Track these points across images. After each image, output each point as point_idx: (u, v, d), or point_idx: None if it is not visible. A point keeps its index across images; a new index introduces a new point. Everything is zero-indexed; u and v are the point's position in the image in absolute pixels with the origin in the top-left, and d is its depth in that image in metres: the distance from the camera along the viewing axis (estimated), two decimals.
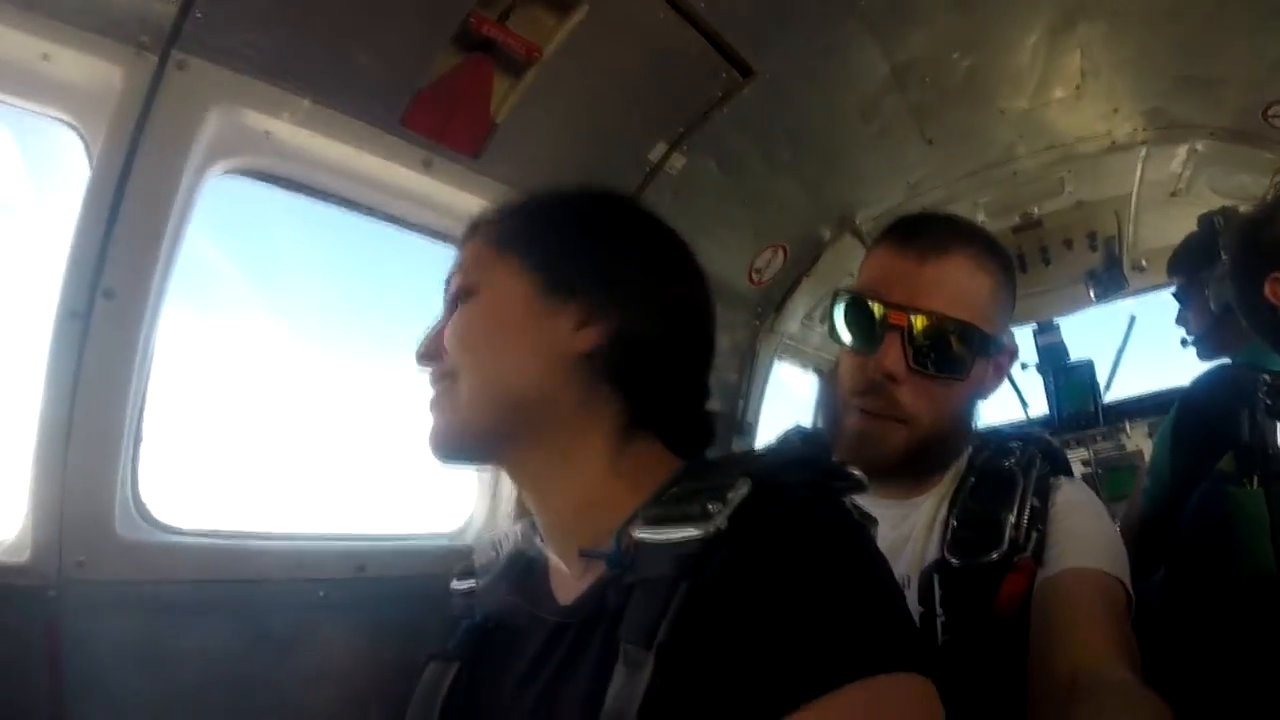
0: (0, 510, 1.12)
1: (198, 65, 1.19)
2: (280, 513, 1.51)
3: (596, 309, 0.85)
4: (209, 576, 1.29)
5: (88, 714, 1.12)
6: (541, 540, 0.95)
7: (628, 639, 0.71)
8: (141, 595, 1.20)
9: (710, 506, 0.73)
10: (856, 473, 0.83)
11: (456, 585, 1.06)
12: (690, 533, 0.73)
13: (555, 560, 0.93)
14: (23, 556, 1.09)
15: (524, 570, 0.99)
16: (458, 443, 0.88)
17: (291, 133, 1.38)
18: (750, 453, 0.91)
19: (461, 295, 0.89)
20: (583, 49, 1.60)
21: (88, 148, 1.16)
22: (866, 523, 0.82)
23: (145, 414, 1.27)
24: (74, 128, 1.16)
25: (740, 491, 0.74)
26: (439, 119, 1.55)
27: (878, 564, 0.73)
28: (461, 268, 0.92)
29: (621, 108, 1.83)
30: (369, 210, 1.63)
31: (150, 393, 1.28)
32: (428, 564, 1.53)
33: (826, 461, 0.84)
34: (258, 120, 1.32)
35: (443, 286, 0.95)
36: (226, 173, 1.36)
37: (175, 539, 1.28)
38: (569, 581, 0.89)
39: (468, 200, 1.64)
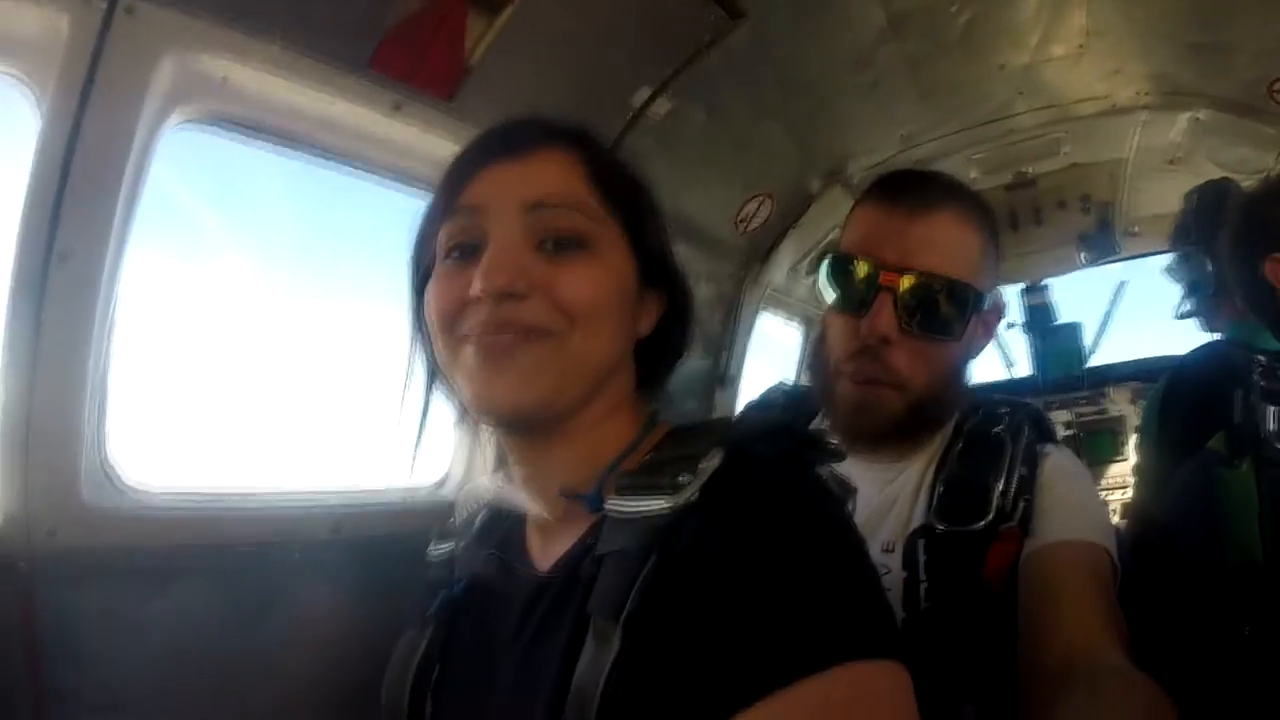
0: None
1: (147, 10, 1.10)
2: (254, 468, 1.49)
3: (659, 299, 0.90)
4: (181, 541, 1.27)
5: (66, 684, 1.12)
6: (517, 492, 0.91)
7: (596, 611, 0.71)
8: (114, 563, 1.19)
9: (681, 478, 0.73)
10: (833, 441, 0.81)
11: (433, 550, 1.06)
12: (660, 504, 0.72)
13: (534, 519, 0.91)
14: None
15: (505, 532, 0.97)
16: (548, 410, 0.79)
17: (251, 78, 1.30)
18: (725, 420, 0.89)
19: (574, 242, 0.80)
20: None
21: (37, 102, 1.09)
22: (844, 493, 0.81)
23: (109, 376, 1.23)
24: (20, 81, 1.08)
25: (712, 462, 0.73)
26: (410, 60, 1.47)
27: (852, 542, 0.71)
28: (568, 203, 0.80)
29: (604, 49, 1.75)
30: (337, 156, 1.55)
31: (113, 354, 1.24)
32: (405, 523, 1.53)
33: (802, 429, 0.83)
34: (214, 66, 1.25)
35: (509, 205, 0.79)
36: (184, 122, 1.28)
37: (145, 505, 1.26)
38: (547, 542, 0.88)
39: (441, 145, 1.58)
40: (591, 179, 0.83)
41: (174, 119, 1.26)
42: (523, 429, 0.84)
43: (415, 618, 0.95)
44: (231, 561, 1.31)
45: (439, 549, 1.05)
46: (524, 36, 1.57)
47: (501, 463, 0.98)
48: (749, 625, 0.62)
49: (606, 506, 0.77)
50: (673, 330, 0.92)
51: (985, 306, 1.19)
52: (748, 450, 0.75)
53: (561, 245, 0.79)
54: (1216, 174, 2.19)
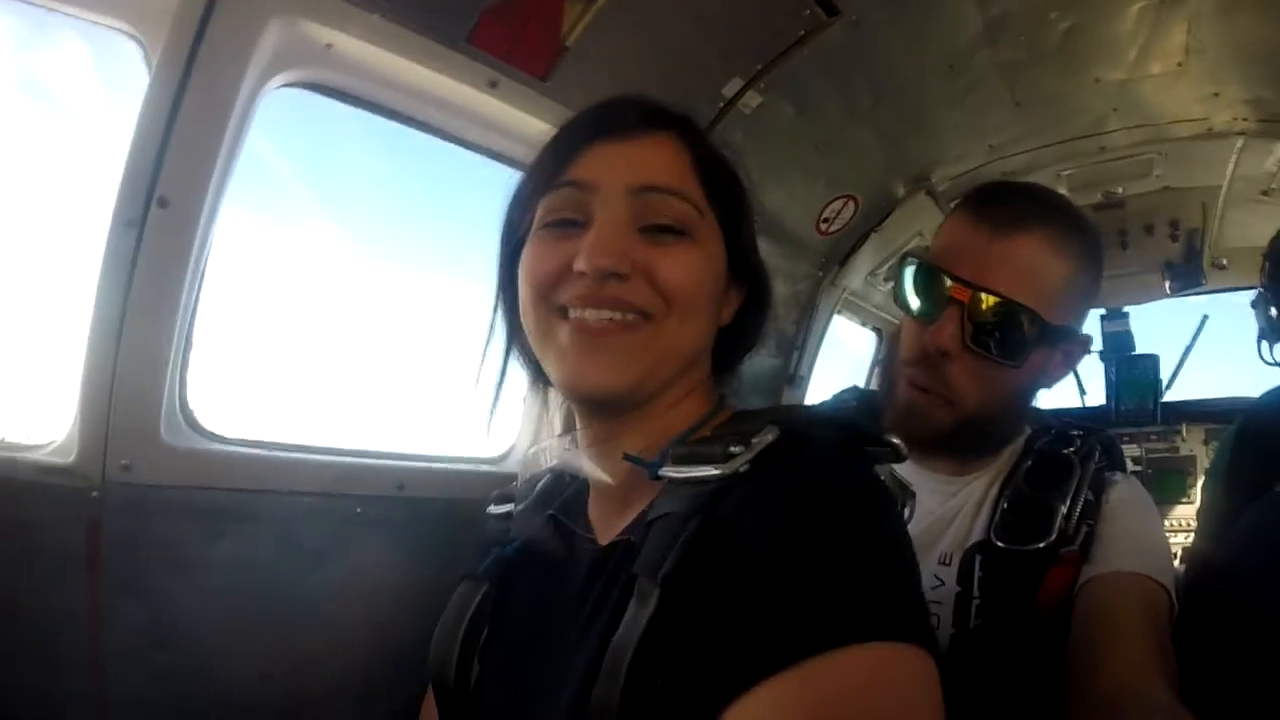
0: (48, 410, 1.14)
1: None
2: (324, 427, 1.54)
3: (741, 290, 0.93)
4: (249, 486, 1.31)
5: (124, 613, 1.17)
6: (582, 458, 0.92)
7: (641, 572, 0.73)
8: (183, 501, 1.23)
9: (733, 449, 0.75)
10: (896, 441, 0.82)
11: (492, 510, 1.08)
12: (710, 471, 0.74)
13: (596, 486, 0.93)
14: (68, 457, 1.12)
15: (567, 499, 0.99)
16: (638, 393, 0.82)
17: (354, 46, 1.32)
18: (789, 406, 0.89)
19: (677, 229, 0.82)
20: None
21: (147, 57, 1.13)
22: (902, 494, 0.82)
23: (196, 323, 1.28)
24: (134, 38, 1.13)
25: (766, 438, 0.75)
26: (507, 38, 1.48)
27: (893, 530, 0.72)
28: (674, 190, 0.82)
29: (697, 38, 1.74)
30: (432, 129, 1.58)
31: (202, 302, 1.29)
32: (467, 486, 1.56)
33: (866, 426, 0.84)
34: (319, 33, 1.27)
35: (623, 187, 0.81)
36: (286, 85, 1.32)
37: (219, 447, 1.31)
38: (611, 513, 0.90)
39: (533, 124, 1.59)
40: (695, 168, 0.85)
41: (277, 81, 1.29)
42: (608, 410, 0.86)
43: (470, 571, 0.97)
44: (294, 508, 1.35)
45: (498, 509, 1.07)
46: (619, 20, 1.57)
47: (568, 428, 1.00)
48: (774, 599, 0.63)
49: (663, 473, 0.78)
50: (750, 322, 0.95)
51: (1063, 337, 1.16)
52: (804, 434, 0.76)
53: (664, 230, 0.81)
54: None
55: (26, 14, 1.10)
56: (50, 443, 1.14)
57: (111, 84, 1.21)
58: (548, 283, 0.82)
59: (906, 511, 0.82)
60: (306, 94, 1.37)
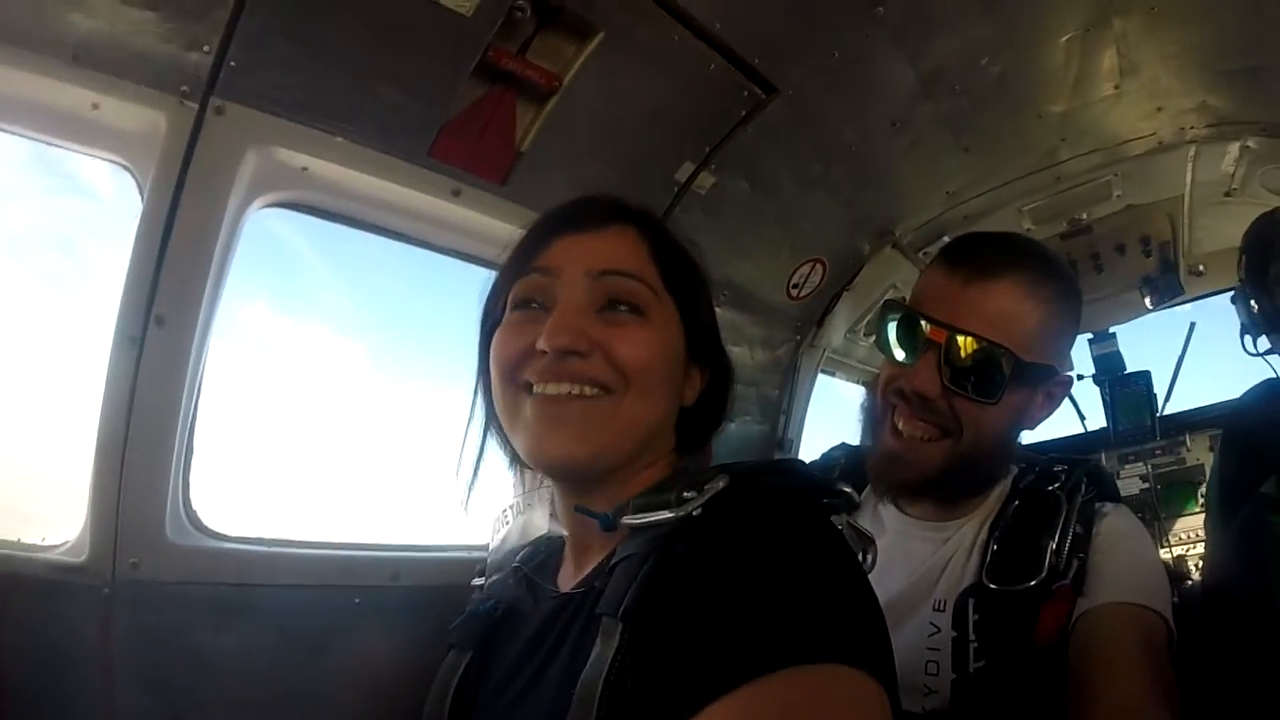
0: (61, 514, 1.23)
1: (235, 109, 1.30)
2: (322, 524, 1.60)
3: (703, 372, 0.97)
4: (252, 580, 1.38)
5: (136, 706, 1.21)
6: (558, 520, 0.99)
7: (605, 610, 0.77)
8: (189, 596, 1.30)
9: (686, 494, 0.80)
10: (847, 489, 0.87)
11: (475, 581, 1.13)
12: (665, 515, 0.80)
13: (569, 546, 0.99)
14: (81, 556, 1.20)
15: (541, 560, 1.05)
16: (598, 463, 0.87)
17: (327, 168, 1.48)
18: (740, 461, 0.93)
19: (632, 308, 0.89)
20: (602, 75, 1.66)
21: (140, 186, 1.28)
22: (859, 541, 0.83)
23: (196, 429, 1.38)
24: (126, 168, 1.29)
25: (717, 485, 0.81)
26: (465, 149, 1.63)
27: (839, 562, 0.74)
28: (631, 273, 0.90)
29: (645, 130, 1.86)
30: (403, 236, 1.72)
31: (201, 409, 1.39)
32: (461, 573, 1.57)
33: (818, 477, 0.91)
34: (293, 158, 1.43)
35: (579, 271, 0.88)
36: (269, 205, 1.47)
37: (221, 545, 1.38)
38: (577, 568, 0.95)
39: (497, 225, 1.71)
40: (653, 255, 0.93)
41: (260, 203, 1.44)
42: (571, 479, 0.92)
43: (456, 641, 1.01)
44: (294, 600, 1.41)
45: (481, 580, 1.12)
46: (569, 121, 1.70)
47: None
48: (722, 626, 0.66)
49: (623, 521, 0.84)
50: (714, 402, 1.00)
51: (1043, 377, 1.19)
52: (756, 481, 0.82)
53: (621, 310, 0.89)
54: (1275, 203, 2.07)
55: (26, 147, 1.25)
56: (64, 543, 1.22)
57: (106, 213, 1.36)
58: (513, 362, 0.89)
59: (868, 559, 0.84)
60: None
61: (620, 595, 0.76)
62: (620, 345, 0.86)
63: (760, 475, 0.84)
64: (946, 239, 2.26)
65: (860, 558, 0.80)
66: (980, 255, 1.19)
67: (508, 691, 0.90)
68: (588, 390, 0.86)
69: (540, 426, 0.86)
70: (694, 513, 0.79)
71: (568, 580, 0.95)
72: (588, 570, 0.91)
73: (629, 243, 0.93)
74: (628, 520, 0.84)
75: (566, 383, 0.85)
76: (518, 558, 1.10)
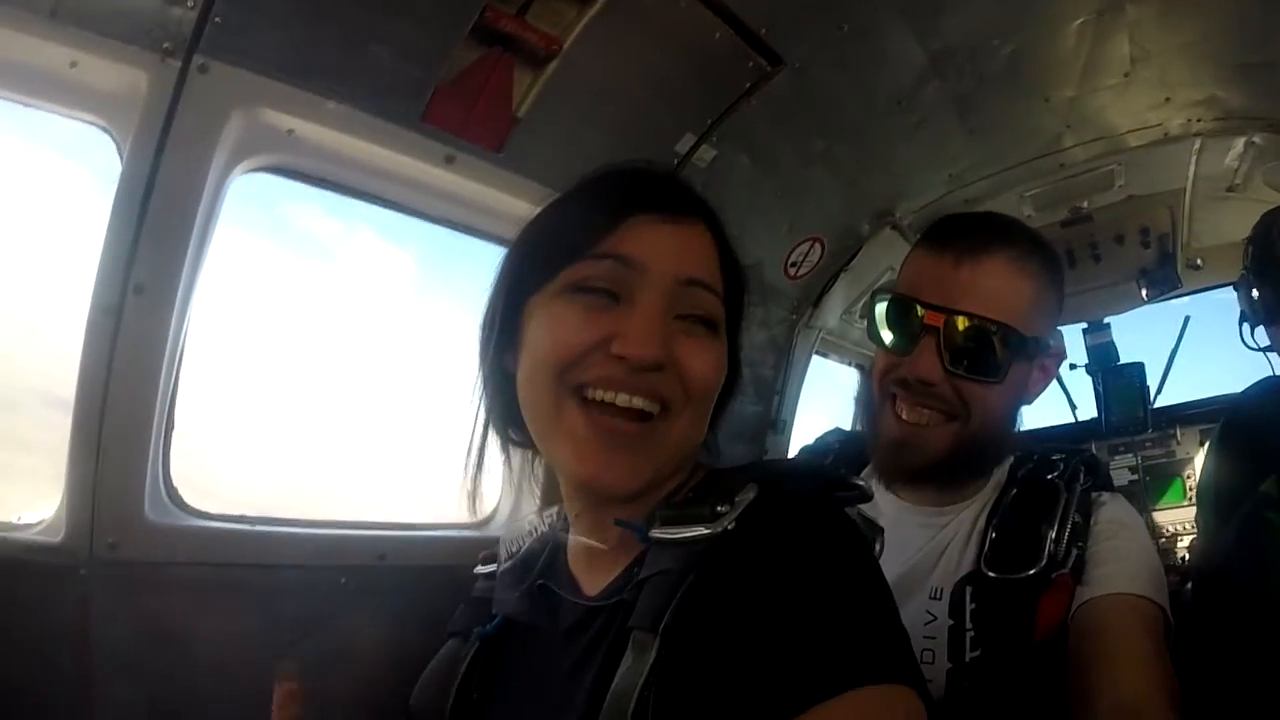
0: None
1: (219, 68, 1.22)
2: (308, 497, 1.56)
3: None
4: (234, 560, 1.34)
5: (113, 689, 1.18)
6: (567, 528, 0.95)
7: (637, 625, 0.76)
8: (168, 577, 1.26)
9: (719, 508, 0.79)
10: (861, 483, 0.86)
11: (479, 569, 1.10)
12: (700, 531, 0.78)
13: (577, 550, 0.95)
14: (57, 536, 1.16)
15: (547, 562, 1.00)
16: (639, 492, 0.83)
17: (314, 131, 1.41)
18: (759, 463, 0.91)
19: (711, 323, 0.85)
20: (604, 40, 1.59)
21: (119, 148, 1.21)
22: (871, 532, 0.84)
23: (176, 403, 1.33)
24: (106, 130, 1.22)
25: (747, 495, 0.79)
26: (460, 114, 1.56)
27: (872, 574, 0.76)
28: (713, 287, 0.85)
29: (646, 99, 1.81)
30: (394, 204, 1.65)
31: (181, 383, 1.34)
32: (449, 554, 1.56)
33: (832, 472, 0.91)
34: (280, 120, 1.36)
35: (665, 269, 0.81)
36: (253, 170, 1.40)
37: (202, 523, 1.34)
38: (593, 573, 0.92)
39: (492, 195, 1.66)
40: (721, 261, 0.88)
41: (243, 168, 1.37)
42: (609, 502, 0.86)
43: (458, 628, 1.00)
44: (279, 581, 1.37)
45: (484, 568, 1.09)
46: (569, 88, 1.64)
47: (548, 501, 1.03)
48: (773, 652, 0.67)
49: (652, 534, 0.82)
50: (721, 405, 0.95)
51: (1039, 350, 1.19)
52: (781, 488, 0.81)
53: (696, 323, 0.84)
54: (1277, 201, 2.07)
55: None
56: (39, 522, 1.18)
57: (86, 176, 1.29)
58: (572, 356, 0.80)
59: (877, 547, 0.84)
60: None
61: (657, 610, 0.75)
62: (693, 362, 0.82)
63: (786, 480, 0.83)
64: None
65: (871, 544, 0.82)
66: (968, 235, 1.18)
67: (527, 702, 0.90)
68: (651, 407, 0.80)
69: (590, 446, 0.80)
70: (729, 526, 0.78)
71: (590, 586, 0.92)
72: (610, 580, 0.88)
73: (706, 245, 0.87)
74: (658, 534, 0.81)
75: (636, 396, 0.80)
76: (520, 551, 1.06)
